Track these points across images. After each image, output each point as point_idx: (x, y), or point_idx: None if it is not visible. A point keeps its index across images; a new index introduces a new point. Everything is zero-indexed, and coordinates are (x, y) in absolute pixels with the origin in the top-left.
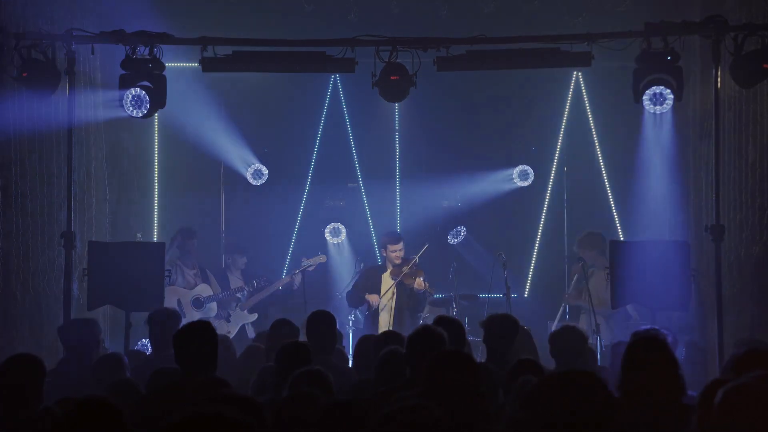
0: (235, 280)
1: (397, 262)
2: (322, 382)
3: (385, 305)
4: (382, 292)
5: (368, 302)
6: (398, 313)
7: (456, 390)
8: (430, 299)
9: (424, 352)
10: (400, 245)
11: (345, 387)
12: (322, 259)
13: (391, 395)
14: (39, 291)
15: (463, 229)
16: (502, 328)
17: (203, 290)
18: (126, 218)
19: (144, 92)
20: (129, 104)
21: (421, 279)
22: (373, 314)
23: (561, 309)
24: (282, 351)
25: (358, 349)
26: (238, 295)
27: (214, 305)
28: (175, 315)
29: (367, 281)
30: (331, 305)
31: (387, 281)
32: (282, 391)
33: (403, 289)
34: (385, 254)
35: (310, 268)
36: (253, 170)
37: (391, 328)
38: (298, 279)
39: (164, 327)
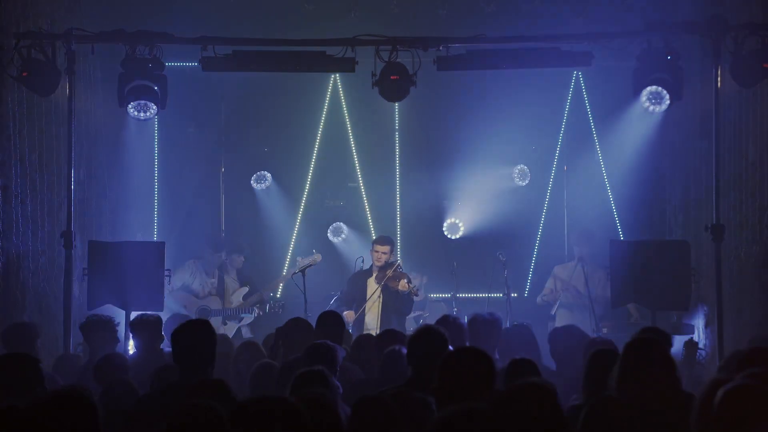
0: (231, 281)
1: (379, 263)
2: (325, 381)
3: (371, 308)
4: (368, 296)
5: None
6: (384, 316)
7: (470, 387)
8: (417, 300)
9: (426, 352)
10: (387, 248)
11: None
12: (317, 258)
13: (401, 393)
14: (39, 291)
15: (459, 222)
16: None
17: (212, 302)
18: (126, 218)
19: (146, 99)
20: (134, 109)
21: (405, 281)
22: (359, 318)
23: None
24: (310, 350)
25: (356, 347)
26: (243, 315)
27: (218, 320)
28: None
29: (355, 287)
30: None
31: (372, 285)
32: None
33: (388, 292)
34: (371, 253)
35: (308, 262)
36: (257, 175)
37: (378, 330)
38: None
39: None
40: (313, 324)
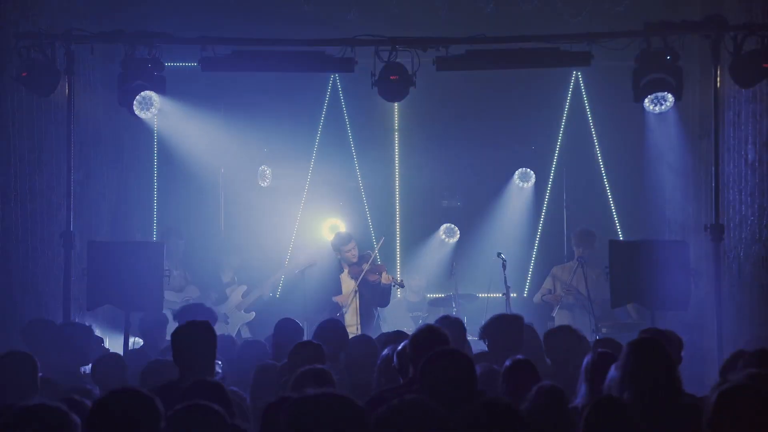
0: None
1: (354, 260)
2: (327, 381)
3: (349, 305)
4: (344, 293)
5: (338, 304)
6: (363, 311)
7: (451, 387)
8: (397, 288)
9: (428, 352)
10: (352, 244)
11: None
12: (315, 257)
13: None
14: (39, 291)
15: (456, 229)
16: (510, 330)
17: (192, 292)
18: (125, 218)
19: (150, 93)
20: (136, 105)
21: (386, 273)
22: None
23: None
24: (296, 350)
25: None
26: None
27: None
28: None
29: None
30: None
31: (347, 281)
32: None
33: (365, 287)
34: (340, 256)
35: (307, 262)
36: (260, 172)
37: (358, 326)
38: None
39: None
40: (305, 326)
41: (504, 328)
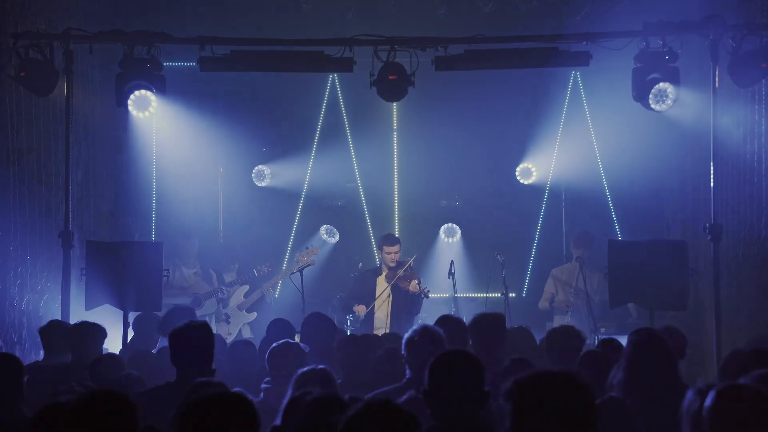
0: (231, 279)
1: (392, 264)
2: (328, 381)
3: (381, 307)
4: (377, 295)
5: (355, 312)
6: (394, 315)
7: (459, 389)
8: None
9: (423, 352)
10: (396, 248)
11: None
12: (315, 251)
13: (394, 395)
14: (37, 291)
15: (457, 228)
16: (491, 328)
17: (200, 288)
18: (124, 218)
19: (147, 93)
20: (133, 104)
21: (416, 282)
22: (368, 316)
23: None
24: (272, 352)
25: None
26: (233, 287)
27: (212, 302)
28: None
29: (363, 286)
30: (330, 305)
31: (382, 284)
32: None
33: (398, 292)
34: (381, 256)
35: (306, 260)
36: (257, 171)
37: (387, 330)
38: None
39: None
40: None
41: (485, 326)
